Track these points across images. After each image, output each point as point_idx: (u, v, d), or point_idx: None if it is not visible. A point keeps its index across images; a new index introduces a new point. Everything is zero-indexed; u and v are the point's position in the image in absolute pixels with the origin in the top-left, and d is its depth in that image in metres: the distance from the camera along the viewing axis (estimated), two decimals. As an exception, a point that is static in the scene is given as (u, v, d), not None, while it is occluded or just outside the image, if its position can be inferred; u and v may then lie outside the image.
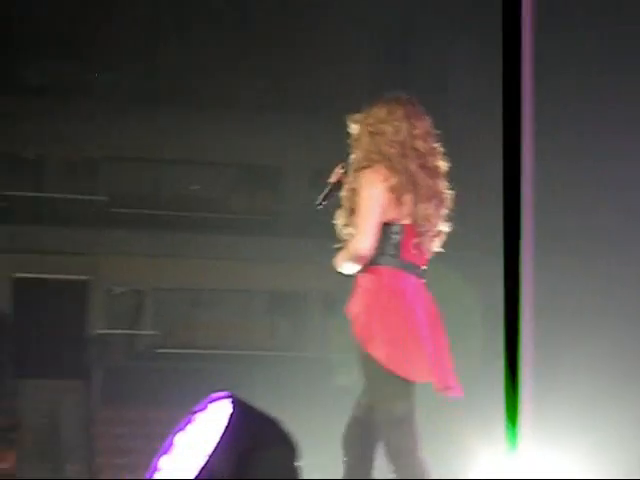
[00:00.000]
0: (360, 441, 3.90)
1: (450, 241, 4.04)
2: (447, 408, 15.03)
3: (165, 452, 3.30)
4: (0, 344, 17.11)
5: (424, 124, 3.91)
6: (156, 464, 3.29)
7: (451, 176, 3.97)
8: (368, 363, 3.80)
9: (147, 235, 18.39)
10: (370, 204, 3.83)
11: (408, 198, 3.84)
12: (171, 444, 3.30)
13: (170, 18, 16.99)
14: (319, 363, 18.23)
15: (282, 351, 18.89)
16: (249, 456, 3.05)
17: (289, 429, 3.22)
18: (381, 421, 3.78)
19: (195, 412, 3.36)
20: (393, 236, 3.86)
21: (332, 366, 17.95)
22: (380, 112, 3.91)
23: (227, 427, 3.11)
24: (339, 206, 4.07)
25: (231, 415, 3.13)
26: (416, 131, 3.86)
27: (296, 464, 3.17)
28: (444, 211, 3.93)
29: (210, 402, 3.33)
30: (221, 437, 3.09)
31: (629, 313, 16.63)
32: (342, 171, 4.00)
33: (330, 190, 3.97)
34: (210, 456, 3.08)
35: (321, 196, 3.98)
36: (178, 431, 3.32)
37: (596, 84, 16.18)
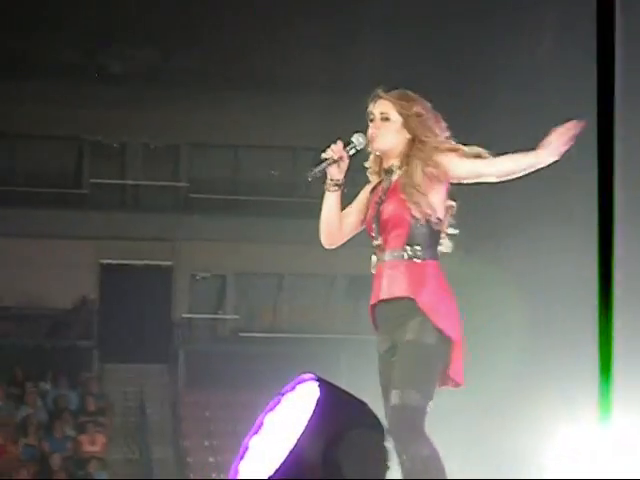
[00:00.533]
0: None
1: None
2: (542, 382, 14.95)
3: (255, 432, 3.30)
4: (87, 330, 17.41)
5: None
6: (246, 444, 3.30)
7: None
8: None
9: (229, 220, 18.54)
10: None
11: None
12: (261, 424, 3.30)
13: (248, 2, 17.00)
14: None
15: (364, 334, 18.87)
16: (338, 438, 3.03)
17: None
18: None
19: (284, 393, 3.35)
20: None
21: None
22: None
23: (315, 410, 3.09)
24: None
25: (318, 398, 3.12)
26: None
27: (385, 446, 3.15)
28: None
29: (298, 383, 3.33)
30: (309, 420, 3.08)
31: None
32: (347, 150, 3.80)
33: (327, 165, 3.78)
34: (299, 438, 3.07)
35: (316, 170, 3.77)
36: (268, 411, 3.31)
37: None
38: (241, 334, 18.79)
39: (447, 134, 3.82)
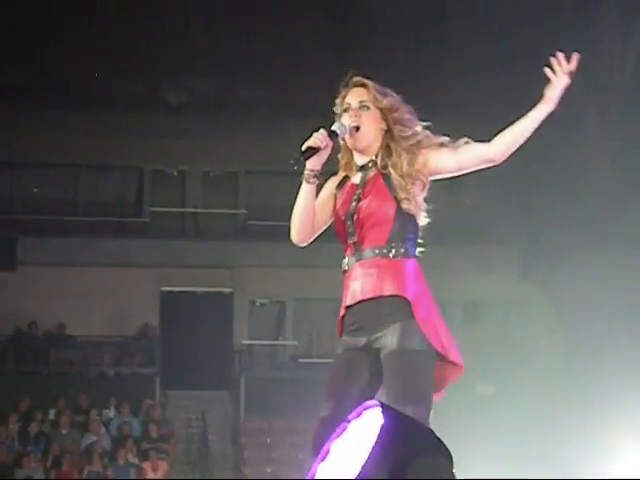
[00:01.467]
0: None
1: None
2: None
3: (322, 459, 3.31)
4: (149, 357, 17.55)
5: None
6: (314, 471, 3.31)
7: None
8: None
9: (288, 246, 18.52)
10: None
11: None
12: (327, 451, 3.32)
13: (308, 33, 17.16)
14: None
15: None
16: (404, 465, 3.04)
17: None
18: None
19: (349, 420, 3.36)
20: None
21: (473, 375, 17.76)
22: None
23: (379, 436, 3.10)
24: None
25: (382, 424, 3.12)
26: None
27: (452, 473, 3.15)
28: None
29: (363, 410, 3.34)
30: (374, 446, 3.09)
31: None
32: (331, 138, 3.53)
33: (312, 154, 3.50)
34: (364, 465, 3.08)
35: (304, 157, 3.47)
36: (334, 438, 3.33)
37: None
38: (300, 360, 18.76)
39: (420, 126, 3.59)
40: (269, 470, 16.02)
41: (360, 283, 3.52)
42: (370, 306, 3.50)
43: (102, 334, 17.46)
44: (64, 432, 15.23)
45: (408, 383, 3.39)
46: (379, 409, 3.22)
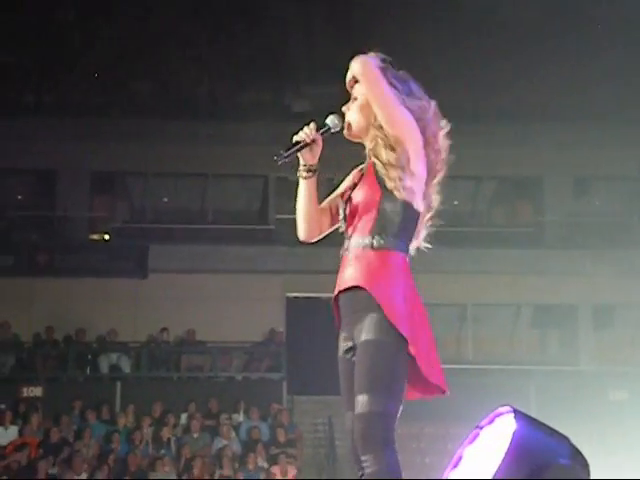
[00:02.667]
0: None
1: None
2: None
3: (455, 465, 3.32)
4: (276, 362, 17.75)
5: None
6: (446, 477, 3.32)
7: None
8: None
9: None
10: None
11: None
12: (460, 457, 3.32)
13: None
14: (591, 377, 17.67)
15: (552, 365, 18.46)
16: (539, 472, 3.01)
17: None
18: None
19: (482, 427, 3.36)
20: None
21: (605, 380, 17.36)
22: None
23: (512, 443, 3.09)
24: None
25: (515, 431, 3.11)
26: None
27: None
28: None
29: (496, 417, 3.32)
30: (506, 453, 3.07)
31: None
32: (321, 133, 3.49)
33: (300, 148, 3.45)
34: (497, 472, 3.07)
35: (285, 154, 3.44)
36: (467, 444, 3.33)
37: None
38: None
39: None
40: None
41: (344, 273, 3.42)
42: (344, 299, 3.41)
43: (230, 339, 17.76)
44: (195, 436, 15.52)
45: (363, 372, 3.27)
46: (512, 415, 3.20)
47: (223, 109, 19.47)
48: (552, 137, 19.14)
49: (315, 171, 3.54)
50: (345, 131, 3.55)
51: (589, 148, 19.18)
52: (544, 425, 3.20)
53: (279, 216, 19.46)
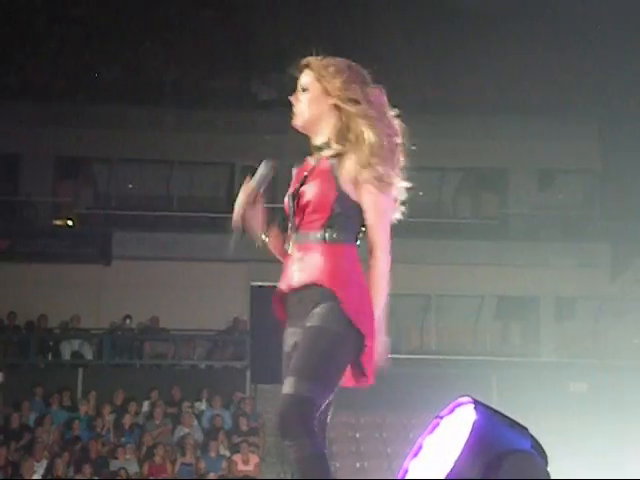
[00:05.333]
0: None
1: None
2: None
3: (414, 455, 3.33)
4: (240, 351, 17.74)
5: None
6: (406, 467, 3.33)
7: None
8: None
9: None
10: None
11: None
12: (420, 447, 3.33)
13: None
14: (552, 369, 17.82)
15: (514, 356, 18.60)
16: (497, 462, 3.02)
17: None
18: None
19: (442, 416, 3.37)
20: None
21: (566, 372, 17.51)
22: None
23: (471, 433, 3.10)
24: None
25: (475, 421, 3.12)
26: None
27: (547, 472, 3.12)
28: None
29: (456, 407, 3.33)
30: (466, 443, 3.08)
31: None
32: (257, 187, 3.47)
33: (263, 182, 3.43)
34: (456, 462, 3.08)
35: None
36: (427, 434, 3.34)
37: None
38: (389, 356, 18.73)
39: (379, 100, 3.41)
40: (358, 465, 16.06)
41: (293, 269, 3.40)
42: (296, 295, 3.38)
43: (194, 327, 17.71)
44: (157, 423, 15.48)
45: (299, 355, 3.25)
46: (472, 405, 3.21)
47: (190, 96, 19.37)
48: (517, 129, 19.24)
49: (269, 230, 3.53)
50: (294, 121, 3.52)
51: (554, 141, 19.31)
52: (504, 416, 3.22)
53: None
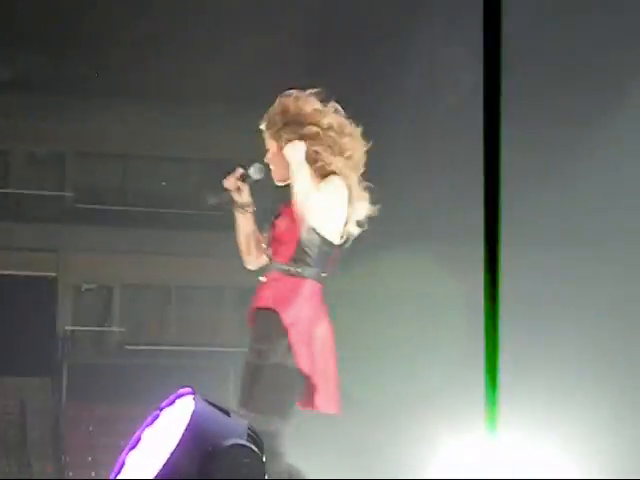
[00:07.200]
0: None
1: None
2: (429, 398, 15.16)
3: (133, 447, 3.28)
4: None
5: None
6: (123, 459, 3.28)
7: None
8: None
9: (116, 231, 18.31)
10: None
11: None
12: (139, 439, 3.29)
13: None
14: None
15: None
16: (213, 452, 3.04)
17: (255, 427, 3.22)
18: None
19: (162, 408, 3.35)
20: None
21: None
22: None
23: (189, 424, 3.10)
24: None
25: (192, 411, 3.12)
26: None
27: (261, 461, 3.17)
28: None
29: (177, 398, 3.33)
30: (183, 434, 3.08)
31: (601, 305, 16.87)
32: (245, 181, 3.74)
33: (226, 199, 3.73)
34: (172, 453, 3.07)
35: (213, 199, 3.76)
36: (146, 426, 3.30)
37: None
38: (127, 347, 18.54)
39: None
40: (90, 458, 15.81)
41: (262, 291, 3.70)
42: (257, 315, 3.68)
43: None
44: None
45: (274, 395, 3.53)
46: (191, 396, 3.21)
47: None
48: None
49: (250, 206, 3.77)
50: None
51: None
52: (223, 408, 3.25)
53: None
